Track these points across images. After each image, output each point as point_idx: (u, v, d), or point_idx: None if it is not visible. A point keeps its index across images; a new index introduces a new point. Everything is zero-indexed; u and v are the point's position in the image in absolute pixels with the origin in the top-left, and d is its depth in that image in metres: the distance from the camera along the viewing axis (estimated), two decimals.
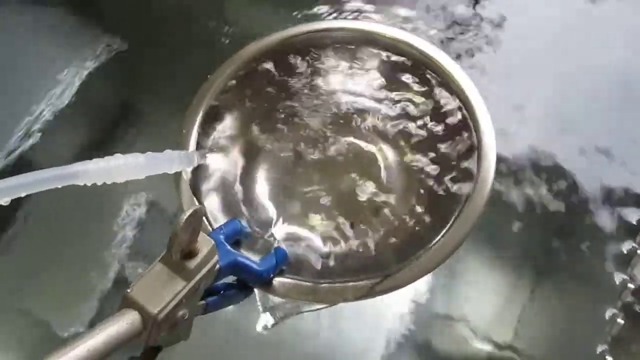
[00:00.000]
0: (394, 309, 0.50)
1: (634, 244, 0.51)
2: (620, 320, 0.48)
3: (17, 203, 0.41)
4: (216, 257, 0.40)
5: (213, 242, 0.39)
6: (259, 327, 0.48)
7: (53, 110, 0.60)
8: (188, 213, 0.36)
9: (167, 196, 0.55)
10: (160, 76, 0.63)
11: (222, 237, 0.46)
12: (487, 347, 0.48)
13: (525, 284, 0.51)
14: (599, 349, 0.47)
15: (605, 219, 0.53)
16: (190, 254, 0.38)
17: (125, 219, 0.54)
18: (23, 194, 0.39)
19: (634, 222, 0.52)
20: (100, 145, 0.59)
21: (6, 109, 0.61)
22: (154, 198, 0.55)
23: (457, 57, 0.62)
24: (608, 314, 0.49)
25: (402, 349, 0.48)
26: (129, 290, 0.36)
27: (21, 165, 0.58)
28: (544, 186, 0.55)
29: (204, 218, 0.52)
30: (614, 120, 0.58)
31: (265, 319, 0.49)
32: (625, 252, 0.51)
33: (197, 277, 0.38)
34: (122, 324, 0.35)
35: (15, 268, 0.54)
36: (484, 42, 0.63)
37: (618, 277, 0.50)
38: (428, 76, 0.60)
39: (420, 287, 0.50)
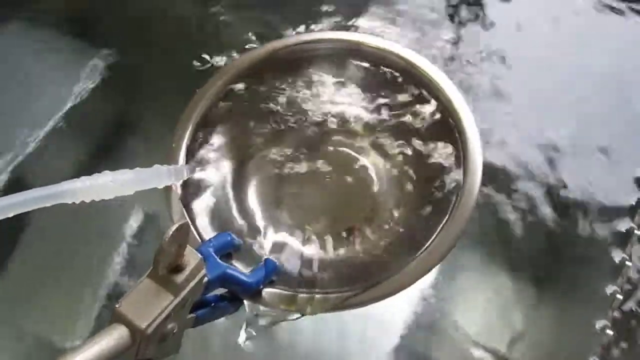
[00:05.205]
0: (385, 317, 0.50)
1: (623, 255, 0.51)
2: (610, 332, 0.48)
3: (12, 222, 0.41)
4: (204, 271, 0.40)
5: (200, 256, 0.40)
6: (241, 339, 0.48)
7: (45, 129, 0.61)
8: (173, 228, 0.37)
9: (161, 211, 0.55)
10: (151, 92, 0.64)
11: (211, 249, 0.46)
12: (477, 356, 0.48)
13: (513, 294, 0.51)
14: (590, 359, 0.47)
15: (595, 228, 0.53)
16: (177, 268, 0.38)
17: (119, 234, 0.54)
18: (11, 214, 0.39)
19: (624, 231, 0.53)
20: (92, 162, 0.59)
21: None
22: (148, 213, 0.55)
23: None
24: (598, 325, 0.48)
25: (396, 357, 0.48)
26: (117, 306, 0.36)
27: (14, 184, 0.58)
28: (532, 195, 0.55)
29: (194, 231, 0.53)
30: (607, 130, 0.58)
31: (248, 330, 0.49)
32: (616, 262, 0.51)
33: (185, 291, 0.39)
34: (111, 338, 0.35)
35: (11, 286, 0.54)
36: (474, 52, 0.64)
37: (609, 288, 0.50)
38: (415, 86, 0.60)
39: (411, 295, 0.50)
